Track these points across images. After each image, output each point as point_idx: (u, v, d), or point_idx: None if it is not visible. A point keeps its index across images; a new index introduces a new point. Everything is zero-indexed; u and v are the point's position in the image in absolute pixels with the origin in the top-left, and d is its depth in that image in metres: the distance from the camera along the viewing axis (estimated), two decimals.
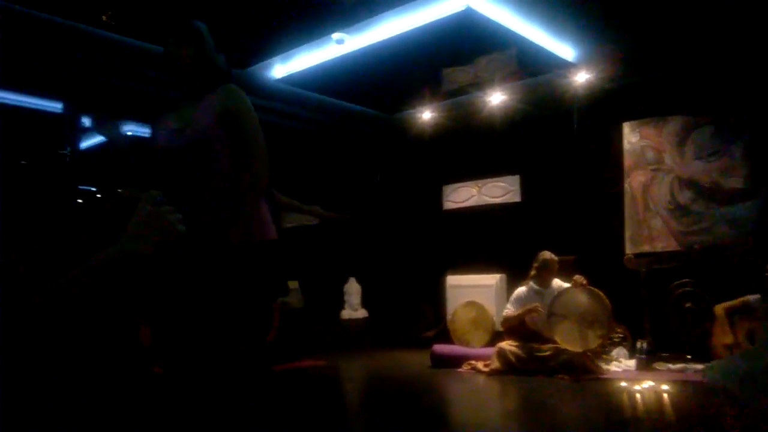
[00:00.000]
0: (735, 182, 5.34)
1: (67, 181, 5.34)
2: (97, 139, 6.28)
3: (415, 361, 5.96)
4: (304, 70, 6.13)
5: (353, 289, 7.62)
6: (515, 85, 6.40)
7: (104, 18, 5.10)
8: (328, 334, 7.16)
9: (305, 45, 5.70)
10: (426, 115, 7.34)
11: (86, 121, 5.57)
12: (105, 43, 5.25)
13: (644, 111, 5.88)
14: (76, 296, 1.09)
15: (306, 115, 7.20)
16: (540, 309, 5.09)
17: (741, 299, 4.87)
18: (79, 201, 5.50)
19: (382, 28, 5.32)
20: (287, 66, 6.12)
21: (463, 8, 4.93)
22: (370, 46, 5.57)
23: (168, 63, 2.08)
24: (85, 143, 6.23)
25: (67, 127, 5.44)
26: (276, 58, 5.96)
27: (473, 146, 7.29)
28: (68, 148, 5.36)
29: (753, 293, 4.81)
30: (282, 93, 6.59)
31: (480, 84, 6.40)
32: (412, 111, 7.40)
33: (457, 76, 6.49)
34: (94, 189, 5.79)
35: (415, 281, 7.54)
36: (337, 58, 5.81)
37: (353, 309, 7.53)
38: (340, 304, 7.55)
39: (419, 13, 5.08)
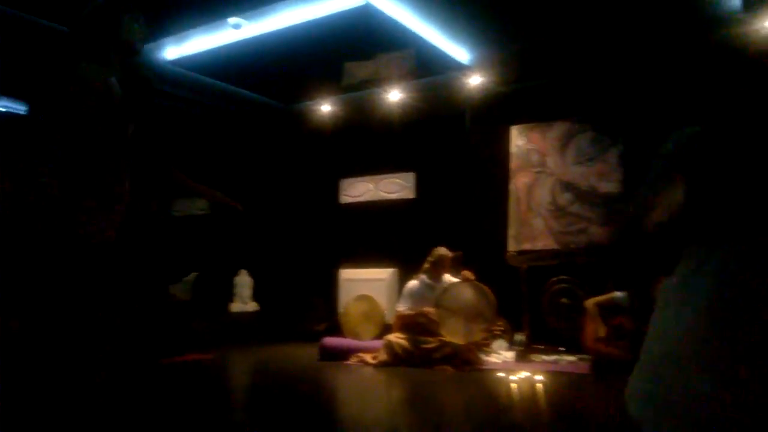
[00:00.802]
0: (610, 186, 5.74)
1: None
2: None
3: (305, 354, 5.94)
4: (198, 53, 5.91)
5: (244, 281, 7.46)
6: (412, 84, 6.51)
7: None
8: (217, 328, 6.96)
9: (200, 27, 5.49)
10: (324, 107, 7.31)
11: None
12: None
13: (531, 115, 6.19)
14: None
15: (199, 100, 6.94)
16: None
17: (609, 295, 5.24)
18: None
19: (282, 17, 5.23)
20: (180, 48, 5.87)
21: (362, 4, 4.95)
22: (268, 33, 5.46)
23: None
24: None
25: None
26: (168, 39, 5.70)
27: (371, 142, 7.34)
28: None
29: (621, 290, 5.20)
30: (174, 75, 6.31)
31: (379, 80, 6.46)
32: (310, 102, 7.34)
33: (358, 70, 6.51)
34: None
35: (308, 274, 7.49)
36: (233, 43, 5.64)
37: (244, 302, 7.38)
38: (230, 296, 7.37)
39: (320, 4, 5.04)
